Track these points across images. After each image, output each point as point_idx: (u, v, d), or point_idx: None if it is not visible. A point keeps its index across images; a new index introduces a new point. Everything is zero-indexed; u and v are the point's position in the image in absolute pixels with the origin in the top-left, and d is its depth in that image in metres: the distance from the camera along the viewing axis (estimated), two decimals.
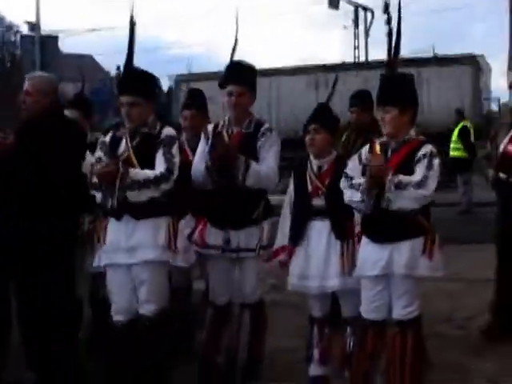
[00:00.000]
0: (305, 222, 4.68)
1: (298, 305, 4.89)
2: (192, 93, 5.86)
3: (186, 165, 4.98)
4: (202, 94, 5.74)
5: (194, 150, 5.20)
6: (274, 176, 4.84)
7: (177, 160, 4.50)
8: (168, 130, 4.58)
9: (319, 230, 4.63)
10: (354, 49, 32.03)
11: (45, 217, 4.42)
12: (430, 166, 4.20)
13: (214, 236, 4.87)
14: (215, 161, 4.74)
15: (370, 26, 31.44)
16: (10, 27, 36.38)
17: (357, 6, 31.62)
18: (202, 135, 5.00)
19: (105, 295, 4.79)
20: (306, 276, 4.64)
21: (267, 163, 4.79)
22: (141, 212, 4.44)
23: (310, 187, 4.69)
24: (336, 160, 4.70)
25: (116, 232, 4.50)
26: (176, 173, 4.46)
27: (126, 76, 4.73)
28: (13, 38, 36.16)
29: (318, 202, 4.64)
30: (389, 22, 4.42)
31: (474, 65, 20.12)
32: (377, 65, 16.28)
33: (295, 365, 5.06)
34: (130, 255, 4.46)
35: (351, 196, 4.34)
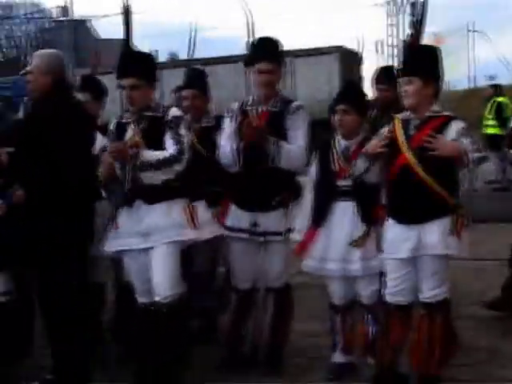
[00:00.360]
0: (329, 202, 4.54)
1: (325, 287, 4.77)
2: (193, 72, 5.67)
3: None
4: (204, 74, 5.58)
5: (196, 133, 5.12)
6: (304, 156, 4.71)
7: (186, 140, 4.40)
8: (174, 111, 4.50)
9: (343, 211, 4.50)
10: (387, 27, 31.58)
11: (55, 215, 4.25)
12: (474, 142, 4.10)
13: (241, 219, 4.75)
14: (245, 143, 4.62)
15: (404, 3, 30.96)
16: (45, 13, 36.71)
17: None
18: (228, 114, 4.86)
19: (129, 281, 4.72)
20: (327, 258, 4.52)
21: (297, 142, 4.66)
22: (153, 197, 4.37)
23: (335, 168, 4.56)
24: (363, 141, 4.53)
25: (129, 217, 4.43)
26: (187, 153, 4.37)
27: (125, 58, 4.58)
28: (47, 25, 36.49)
29: (344, 182, 4.51)
30: None
31: (341, 55, 20.64)
32: None
33: (321, 350, 4.96)
34: (144, 239, 4.39)
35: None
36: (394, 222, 4.23)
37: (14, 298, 4.76)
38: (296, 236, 4.70)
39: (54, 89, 4.41)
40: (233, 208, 4.80)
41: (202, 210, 4.59)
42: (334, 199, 4.52)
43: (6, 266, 4.61)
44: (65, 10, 19.09)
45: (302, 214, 4.70)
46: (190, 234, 4.43)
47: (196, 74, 5.64)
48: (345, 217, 4.49)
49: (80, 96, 5.19)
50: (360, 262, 4.43)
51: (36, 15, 38.78)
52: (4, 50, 41.83)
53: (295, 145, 4.65)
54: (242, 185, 4.75)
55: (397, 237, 4.20)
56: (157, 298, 4.41)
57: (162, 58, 28.38)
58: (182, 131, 4.41)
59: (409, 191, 4.11)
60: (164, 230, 4.36)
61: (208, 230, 4.54)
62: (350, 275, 4.50)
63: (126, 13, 4.59)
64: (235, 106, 4.86)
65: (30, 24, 39.70)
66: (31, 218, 4.30)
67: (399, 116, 4.31)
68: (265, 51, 4.71)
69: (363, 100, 4.66)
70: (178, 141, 4.35)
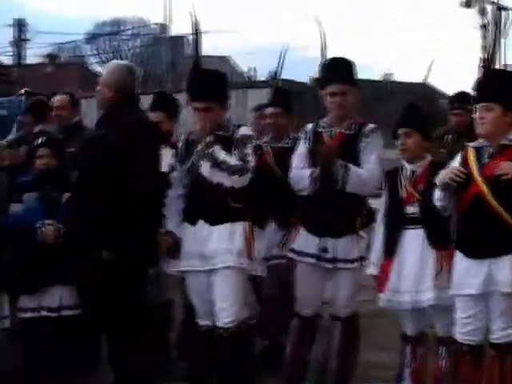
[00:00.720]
0: (398, 231, 4.36)
1: (396, 317, 4.59)
2: (278, 90, 5.58)
3: (266, 168, 4.83)
4: (289, 93, 5.50)
5: (275, 152, 5.07)
6: (376, 180, 4.54)
7: (251, 160, 4.30)
8: (243, 130, 4.43)
9: (413, 240, 4.31)
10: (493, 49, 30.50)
11: (115, 231, 4.19)
12: None
13: (310, 243, 4.61)
14: (320, 166, 4.49)
15: (508, 26, 29.91)
16: (149, 29, 37.69)
17: (494, 4, 30.15)
18: (302, 136, 4.76)
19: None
20: (399, 290, 4.33)
21: (369, 167, 4.50)
22: (215, 217, 4.31)
23: (403, 194, 4.37)
24: (431, 164, 4.35)
25: (191, 238, 4.38)
26: (251, 172, 4.27)
27: (197, 79, 4.52)
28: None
29: (412, 209, 4.31)
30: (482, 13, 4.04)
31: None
32: None
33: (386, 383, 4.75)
34: (205, 262, 4.33)
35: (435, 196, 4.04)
36: (464, 256, 3.99)
37: (81, 312, 4.78)
38: (370, 269, 4.53)
39: (119, 103, 4.33)
40: (302, 232, 4.67)
41: (257, 243, 4.48)
42: (402, 227, 4.34)
43: (69, 281, 4.63)
44: (164, 26, 19.50)
45: (375, 245, 4.53)
46: (245, 264, 4.33)
47: (282, 92, 5.56)
48: (415, 245, 4.30)
49: (153, 115, 5.20)
50: (432, 292, 4.21)
51: (142, 31, 40.00)
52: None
53: (366, 168, 4.50)
54: (312, 208, 4.61)
55: (466, 272, 3.96)
56: (218, 324, 4.32)
57: (262, 76, 28.62)
58: (249, 150, 4.33)
59: (480, 223, 3.88)
60: (224, 254, 4.28)
61: (259, 268, 4.49)
62: (422, 306, 4.29)
63: (196, 32, 4.53)
64: (309, 127, 4.74)
65: (136, 40, 40.93)
66: (92, 233, 4.27)
67: (472, 144, 4.08)
68: (336, 72, 4.58)
69: (426, 122, 4.46)
70: (243, 159, 4.28)
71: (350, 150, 4.53)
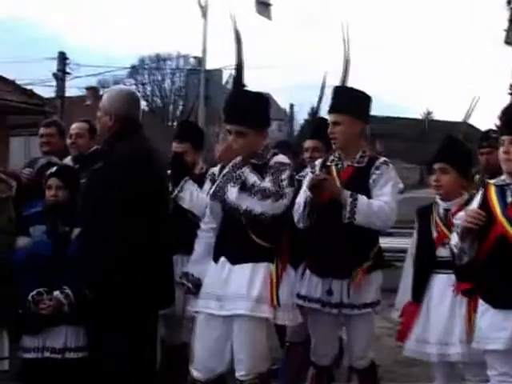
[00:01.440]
0: (427, 275, 4.01)
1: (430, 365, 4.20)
2: (319, 122, 5.21)
3: None
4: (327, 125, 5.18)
5: None
6: (391, 212, 4.09)
7: (286, 185, 3.85)
8: (279, 157, 4.00)
9: (443, 285, 3.96)
10: None
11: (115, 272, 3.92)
12: None
13: (314, 287, 4.23)
14: (313, 196, 4.08)
15: None
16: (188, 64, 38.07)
17: None
18: (309, 170, 4.41)
19: None
20: (426, 340, 3.96)
21: (382, 198, 4.09)
22: (236, 255, 3.92)
23: (434, 234, 4.01)
24: (467, 203, 3.94)
25: (212, 276, 4.01)
26: (287, 199, 3.85)
27: (234, 102, 4.11)
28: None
29: (444, 251, 3.93)
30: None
31: None
32: None
33: None
34: (222, 306, 3.93)
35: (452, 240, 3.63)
36: (489, 306, 3.57)
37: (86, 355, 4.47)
38: (395, 315, 4.20)
39: (120, 133, 4.08)
40: (307, 274, 4.29)
41: (287, 288, 4.01)
42: (432, 271, 3.99)
43: (75, 321, 4.32)
44: (199, 60, 19.44)
45: (401, 289, 4.20)
46: (266, 312, 3.89)
47: (322, 123, 5.22)
48: (445, 292, 3.94)
49: (177, 145, 4.94)
50: (460, 347, 3.84)
51: (182, 65, 40.43)
52: (149, 98, 43.38)
53: (379, 200, 4.09)
54: (314, 246, 4.24)
55: (492, 324, 3.54)
56: (237, 374, 3.95)
57: (304, 112, 28.26)
58: (284, 177, 3.88)
59: (506, 268, 3.47)
60: (241, 300, 3.87)
61: (285, 316, 3.98)
62: (451, 360, 3.91)
63: (239, 50, 4.16)
64: (318, 161, 4.42)
65: (175, 74, 41.38)
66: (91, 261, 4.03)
67: (493, 181, 3.68)
68: (335, 101, 4.29)
69: (465, 157, 4.12)
70: (278, 184, 3.84)
71: (360, 184, 4.15)
